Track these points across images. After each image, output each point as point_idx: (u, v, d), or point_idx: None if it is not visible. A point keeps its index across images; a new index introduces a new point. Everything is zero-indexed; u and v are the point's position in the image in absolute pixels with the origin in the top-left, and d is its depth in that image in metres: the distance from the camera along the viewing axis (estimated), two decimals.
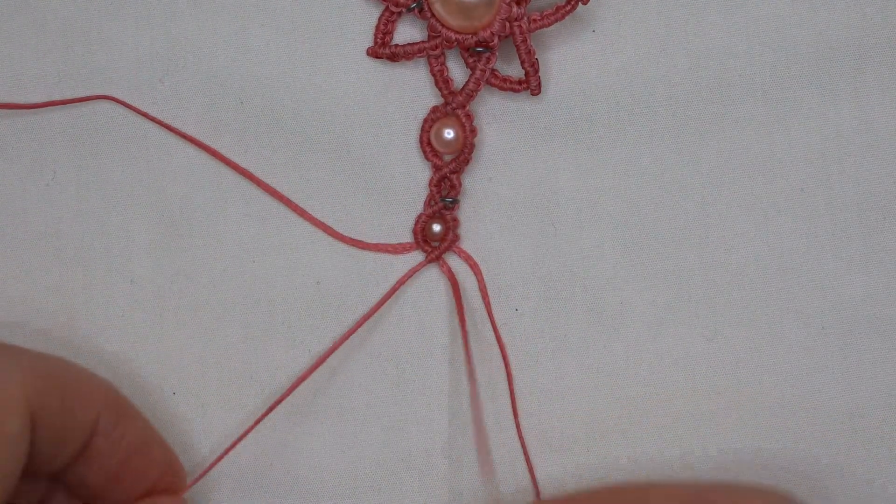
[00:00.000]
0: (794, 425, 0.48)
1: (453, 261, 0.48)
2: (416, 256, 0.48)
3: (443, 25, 0.46)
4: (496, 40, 0.46)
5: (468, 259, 0.48)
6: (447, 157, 0.48)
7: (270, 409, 0.47)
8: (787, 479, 0.48)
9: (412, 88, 0.48)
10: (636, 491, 0.47)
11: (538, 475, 0.48)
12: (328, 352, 0.48)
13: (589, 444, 0.48)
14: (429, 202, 0.48)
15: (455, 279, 0.48)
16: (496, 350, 0.48)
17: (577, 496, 0.48)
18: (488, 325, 0.48)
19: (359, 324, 0.48)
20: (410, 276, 0.48)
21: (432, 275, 0.48)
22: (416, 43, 0.47)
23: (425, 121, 0.47)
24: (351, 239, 0.48)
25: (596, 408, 0.48)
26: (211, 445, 0.48)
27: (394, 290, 0.48)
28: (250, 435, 0.47)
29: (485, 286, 0.48)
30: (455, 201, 0.48)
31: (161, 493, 0.45)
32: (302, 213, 0.48)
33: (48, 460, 0.43)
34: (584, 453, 0.48)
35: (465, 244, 0.48)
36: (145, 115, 0.48)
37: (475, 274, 0.48)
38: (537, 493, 0.48)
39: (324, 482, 0.48)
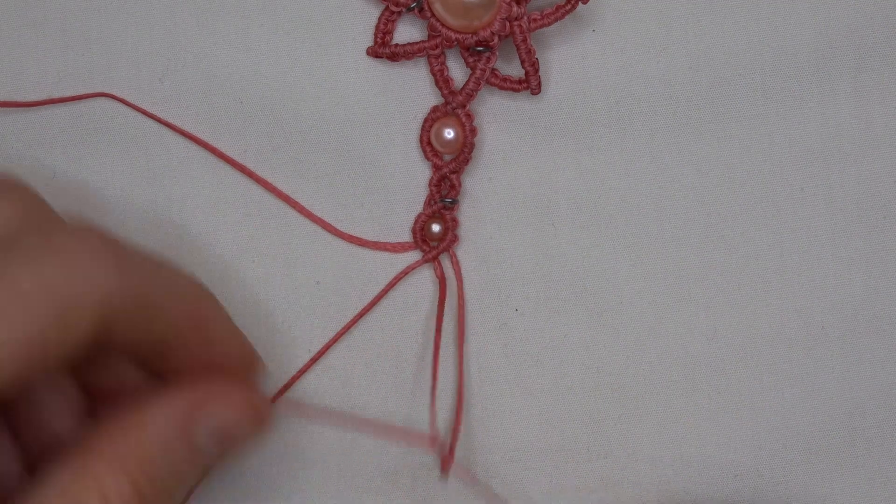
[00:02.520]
0: (794, 425, 0.48)
1: (449, 261, 0.48)
2: (416, 256, 0.48)
3: (443, 25, 0.46)
4: (496, 40, 0.46)
5: (455, 264, 0.48)
6: (447, 157, 0.48)
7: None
8: (786, 479, 0.48)
9: (412, 88, 0.48)
10: None
11: (538, 475, 0.48)
12: (322, 349, 0.48)
13: (589, 444, 0.48)
14: (428, 202, 0.48)
15: (444, 282, 0.48)
16: (494, 349, 0.48)
17: None
18: (486, 325, 0.48)
19: (354, 320, 0.48)
20: (406, 273, 0.48)
21: (432, 275, 0.48)
22: (416, 42, 0.47)
23: (425, 120, 0.47)
24: (350, 235, 0.48)
25: (596, 408, 0.48)
26: None
27: (389, 286, 0.48)
28: None
29: (462, 296, 0.48)
30: (454, 202, 0.48)
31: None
32: (301, 210, 0.48)
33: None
34: (584, 453, 0.48)
35: (465, 244, 0.48)
36: (145, 112, 0.48)
37: (457, 280, 0.48)
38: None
39: (323, 482, 0.48)
